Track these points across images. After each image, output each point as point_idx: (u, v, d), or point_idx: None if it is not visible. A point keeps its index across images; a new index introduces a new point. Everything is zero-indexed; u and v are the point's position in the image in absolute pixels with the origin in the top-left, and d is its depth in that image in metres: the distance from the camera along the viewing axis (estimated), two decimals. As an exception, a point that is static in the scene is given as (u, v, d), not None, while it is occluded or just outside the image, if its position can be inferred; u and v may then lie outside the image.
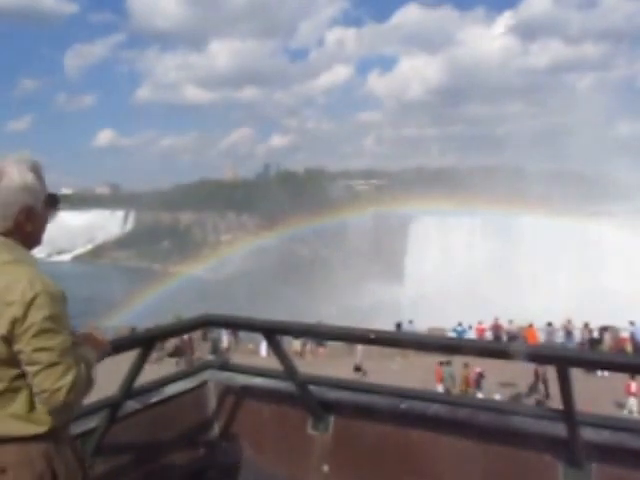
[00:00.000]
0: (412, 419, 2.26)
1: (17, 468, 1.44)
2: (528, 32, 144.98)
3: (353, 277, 55.49)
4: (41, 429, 1.46)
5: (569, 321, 21.61)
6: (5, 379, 1.43)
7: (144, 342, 2.20)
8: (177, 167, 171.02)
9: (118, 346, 1.96)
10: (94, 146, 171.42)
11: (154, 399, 2.51)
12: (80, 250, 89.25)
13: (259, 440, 2.62)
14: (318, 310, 32.29)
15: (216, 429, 2.72)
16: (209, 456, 2.66)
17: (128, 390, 2.18)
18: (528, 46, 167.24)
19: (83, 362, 1.47)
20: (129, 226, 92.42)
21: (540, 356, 2.14)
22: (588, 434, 1.92)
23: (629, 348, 19.34)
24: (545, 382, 14.96)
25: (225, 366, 2.88)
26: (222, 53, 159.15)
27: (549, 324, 21.37)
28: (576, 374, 1.77)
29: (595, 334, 20.82)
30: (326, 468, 2.39)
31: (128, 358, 2.17)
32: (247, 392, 2.69)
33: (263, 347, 19.66)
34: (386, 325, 17.38)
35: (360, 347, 18.57)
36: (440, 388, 15.66)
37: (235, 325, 5.00)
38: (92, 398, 1.83)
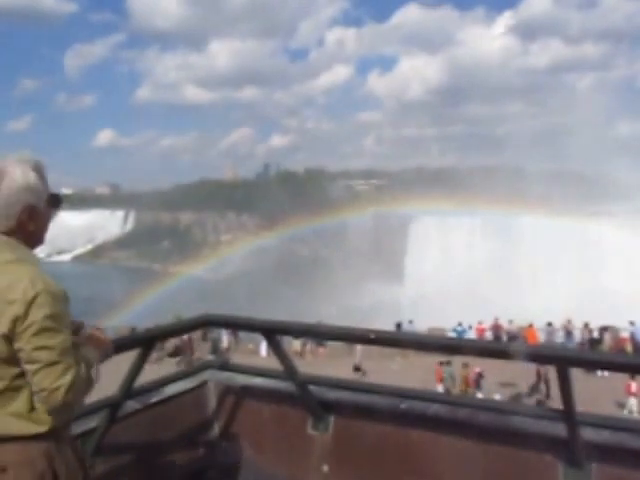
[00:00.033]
0: (412, 419, 2.26)
1: (18, 467, 1.44)
2: (528, 32, 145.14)
3: (353, 277, 55.50)
4: (42, 428, 1.46)
5: (569, 321, 21.61)
6: (6, 378, 1.43)
7: (144, 342, 2.20)
8: (177, 167, 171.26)
9: (118, 346, 1.96)
10: (94, 146, 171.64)
11: (154, 399, 2.51)
12: (80, 250, 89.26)
13: (259, 440, 2.62)
14: (318, 310, 32.30)
15: (216, 429, 2.72)
16: (209, 456, 2.66)
17: (128, 390, 2.18)
18: (528, 46, 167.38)
19: (84, 362, 1.47)
20: (129, 226, 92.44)
21: (540, 356, 2.14)
22: (588, 434, 1.92)
23: (629, 348, 19.34)
24: (547, 382, 14.96)
25: (225, 366, 2.88)
26: (222, 53, 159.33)
27: (549, 324, 21.37)
28: (576, 374, 1.77)
29: (595, 334, 20.81)
30: (326, 468, 2.39)
31: (128, 358, 2.17)
32: (247, 392, 2.69)
33: (263, 347, 19.66)
34: (386, 325, 17.39)
35: (359, 347, 18.57)
36: (440, 388, 15.66)
37: (235, 325, 5.00)
38: (92, 398, 1.83)
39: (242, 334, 21.99)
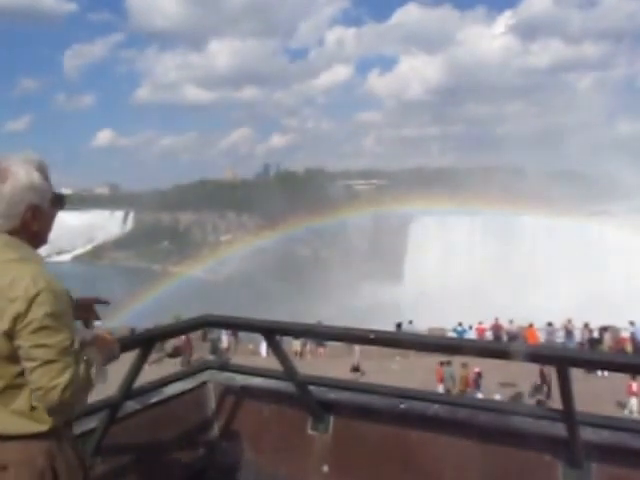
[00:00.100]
0: (412, 419, 2.26)
1: (18, 466, 1.44)
2: (528, 32, 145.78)
3: (353, 277, 55.52)
4: (43, 427, 1.46)
5: (569, 321, 21.61)
6: (7, 376, 1.43)
7: (143, 342, 2.20)
8: (177, 167, 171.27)
9: None
10: (93, 146, 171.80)
11: (154, 399, 2.51)
12: (80, 250, 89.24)
13: (259, 440, 2.62)
14: (318, 310, 32.31)
15: (216, 429, 2.72)
16: (209, 456, 2.66)
17: (128, 390, 2.18)
18: (528, 46, 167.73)
19: (84, 362, 1.47)
20: (129, 226, 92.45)
21: (540, 356, 2.14)
22: (588, 434, 1.92)
23: (629, 348, 19.35)
24: (548, 383, 14.94)
25: (225, 366, 2.88)
26: (222, 53, 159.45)
27: (549, 324, 21.37)
28: (576, 374, 1.77)
29: (595, 334, 20.81)
30: (326, 468, 2.39)
31: (128, 358, 2.17)
32: (247, 392, 2.69)
33: (263, 347, 19.66)
34: (386, 325, 17.37)
35: (358, 347, 18.55)
36: (441, 388, 15.65)
37: (235, 325, 5.00)
38: (100, 396, 1.83)
39: (242, 334, 21.98)
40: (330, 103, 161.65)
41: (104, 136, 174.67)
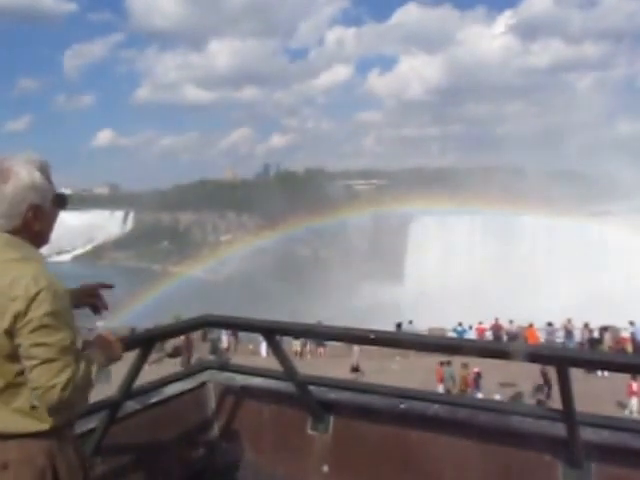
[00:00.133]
0: (412, 419, 2.26)
1: (18, 465, 1.44)
2: (528, 32, 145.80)
3: (353, 277, 55.53)
4: (44, 426, 1.46)
5: (569, 321, 21.61)
6: (8, 374, 1.43)
7: (143, 342, 2.20)
8: (177, 167, 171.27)
9: None
10: (93, 146, 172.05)
11: (154, 399, 2.51)
12: (80, 250, 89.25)
13: (259, 440, 2.62)
14: (318, 310, 32.29)
15: (216, 429, 2.72)
16: (209, 456, 2.66)
17: (128, 390, 2.18)
18: (528, 46, 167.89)
19: (85, 362, 1.47)
20: (129, 226, 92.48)
21: (540, 356, 2.14)
22: (588, 434, 1.92)
23: (629, 348, 19.35)
24: (549, 383, 14.92)
25: (225, 366, 2.88)
26: (222, 53, 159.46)
27: (549, 324, 21.38)
28: (576, 374, 1.77)
29: (595, 334, 20.82)
30: (326, 468, 2.39)
31: (128, 358, 2.17)
32: (247, 392, 2.69)
33: (263, 348, 19.66)
34: (386, 325, 17.37)
35: (357, 348, 18.53)
36: (441, 388, 15.65)
37: (235, 325, 4.99)
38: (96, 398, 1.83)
39: (242, 334, 21.98)
40: (330, 103, 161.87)
41: (104, 136, 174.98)
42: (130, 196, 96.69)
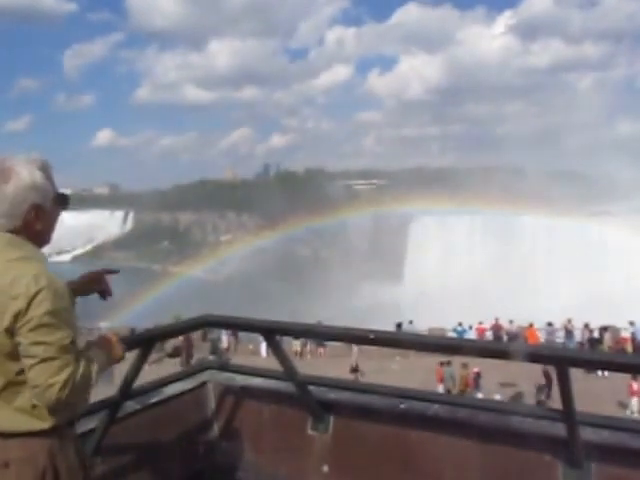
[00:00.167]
0: (412, 419, 2.26)
1: (19, 463, 1.44)
2: (528, 32, 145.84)
3: (353, 277, 55.55)
4: (45, 425, 1.46)
5: (569, 321, 21.61)
6: (9, 373, 1.44)
7: (143, 342, 2.20)
8: (177, 167, 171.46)
9: None
10: (93, 146, 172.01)
11: (154, 399, 2.51)
12: (80, 250, 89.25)
13: (259, 440, 2.62)
14: (318, 310, 32.29)
15: (216, 429, 2.72)
16: (209, 456, 2.66)
17: (128, 390, 2.18)
18: (528, 46, 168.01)
19: (85, 361, 1.47)
20: (128, 226, 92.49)
21: (540, 356, 2.13)
22: (588, 434, 1.92)
23: (629, 348, 19.35)
24: (551, 383, 14.91)
25: (225, 367, 2.88)
26: (222, 53, 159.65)
27: (549, 324, 21.38)
28: (576, 374, 1.77)
29: (595, 334, 20.82)
30: (326, 468, 2.39)
31: (128, 358, 2.17)
32: (247, 392, 2.69)
33: (263, 348, 19.66)
34: (386, 325, 17.38)
35: (356, 348, 18.51)
36: (441, 388, 15.65)
37: (235, 325, 4.99)
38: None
39: (242, 334, 21.99)
40: (330, 103, 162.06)
41: (104, 136, 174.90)
42: (130, 196, 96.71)
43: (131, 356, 2.18)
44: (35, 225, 1.53)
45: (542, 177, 59.78)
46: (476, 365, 15.96)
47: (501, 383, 16.06)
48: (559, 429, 1.91)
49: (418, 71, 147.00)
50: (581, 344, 20.46)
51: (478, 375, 16.15)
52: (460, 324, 22.76)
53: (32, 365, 1.40)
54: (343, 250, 64.27)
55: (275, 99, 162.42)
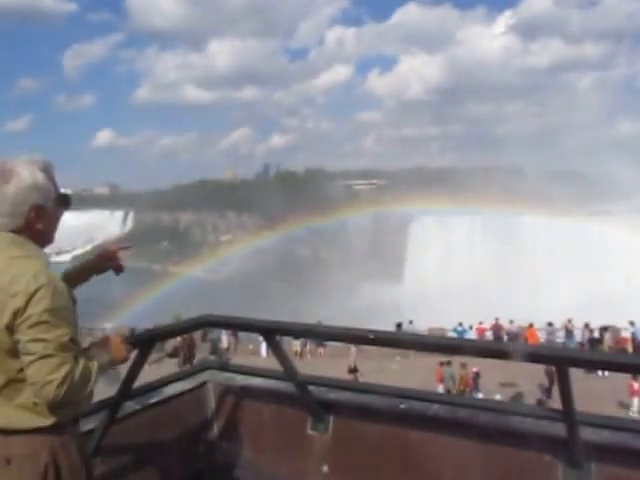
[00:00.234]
0: (412, 419, 2.26)
1: (21, 460, 1.45)
2: (528, 31, 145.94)
3: (353, 277, 55.52)
4: (47, 422, 1.47)
5: (569, 321, 21.61)
6: (10, 370, 1.45)
7: (143, 342, 2.20)
8: (177, 167, 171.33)
9: None
10: (93, 146, 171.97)
11: (154, 399, 2.51)
12: (80, 250, 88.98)
13: (259, 440, 2.62)
14: (318, 310, 32.29)
15: (216, 429, 2.72)
16: (209, 456, 2.66)
17: (127, 390, 2.18)
18: (528, 45, 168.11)
19: (84, 360, 1.48)
20: (128, 226, 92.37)
21: (540, 356, 2.13)
22: (588, 434, 1.92)
23: (629, 348, 19.35)
24: (554, 383, 14.91)
25: (225, 367, 2.89)
26: (222, 53, 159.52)
27: (549, 324, 21.37)
28: (576, 374, 1.77)
29: (596, 334, 20.82)
30: (325, 468, 2.39)
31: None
32: (247, 392, 2.69)
33: (263, 348, 19.66)
34: (386, 325, 17.37)
35: (354, 348, 18.52)
36: (441, 388, 15.64)
37: (235, 325, 4.99)
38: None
39: (242, 334, 21.99)
40: (330, 103, 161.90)
41: (104, 136, 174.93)
42: (130, 196, 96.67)
43: (131, 356, 2.18)
44: (36, 225, 1.54)
45: (542, 177, 59.76)
46: (476, 365, 15.96)
47: (501, 383, 16.06)
48: (559, 429, 1.90)
49: (418, 71, 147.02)
50: (581, 344, 20.45)
51: (477, 375, 16.15)
52: (460, 324, 22.75)
53: (31, 362, 1.40)
54: (343, 250, 64.23)
55: (275, 99, 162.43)
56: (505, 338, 21.57)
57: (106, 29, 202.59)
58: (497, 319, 23.27)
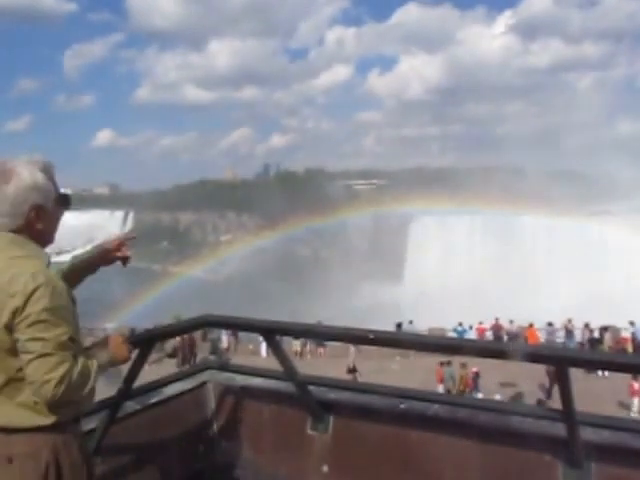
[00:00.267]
0: (412, 419, 2.26)
1: (23, 459, 1.46)
2: (528, 31, 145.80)
3: (353, 277, 55.50)
4: (48, 420, 1.47)
5: (569, 321, 21.62)
6: (10, 369, 1.45)
7: (143, 342, 2.20)
8: (177, 167, 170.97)
9: None
10: (93, 146, 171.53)
11: (154, 399, 2.51)
12: (80, 250, 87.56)
13: (259, 440, 2.62)
14: (318, 310, 32.29)
15: (216, 429, 2.72)
16: (209, 456, 2.66)
17: (127, 390, 2.18)
18: (528, 45, 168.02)
19: (84, 359, 1.48)
20: (128, 226, 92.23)
21: (540, 356, 2.13)
22: (588, 434, 1.92)
23: (630, 348, 19.35)
24: (553, 382, 14.91)
25: (225, 367, 2.89)
26: (222, 53, 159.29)
27: (549, 324, 21.38)
28: (577, 374, 1.77)
29: (596, 334, 20.83)
30: (325, 468, 2.39)
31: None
32: (247, 392, 2.69)
33: (263, 348, 19.66)
34: (386, 325, 17.37)
35: (353, 348, 18.52)
36: (441, 389, 15.64)
37: (235, 325, 5.00)
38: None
39: (242, 334, 22.00)
40: (330, 103, 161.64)
41: (104, 136, 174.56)
42: (130, 196, 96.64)
43: (132, 356, 2.18)
44: (36, 225, 1.55)
45: (542, 177, 59.73)
46: (476, 365, 15.96)
47: (501, 383, 16.06)
48: (559, 429, 1.90)
49: (418, 71, 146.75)
50: (581, 344, 20.46)
51: (477, 375, 16.15)
52: (460, 324, 22.75)
53: (29, 360, 1.41)
54: (343, 250, 64.21)
55: (275, 99, 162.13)
56: (505, 338, 21.58)
57: (106, 29, 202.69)
58: (497, 319, 23.28)
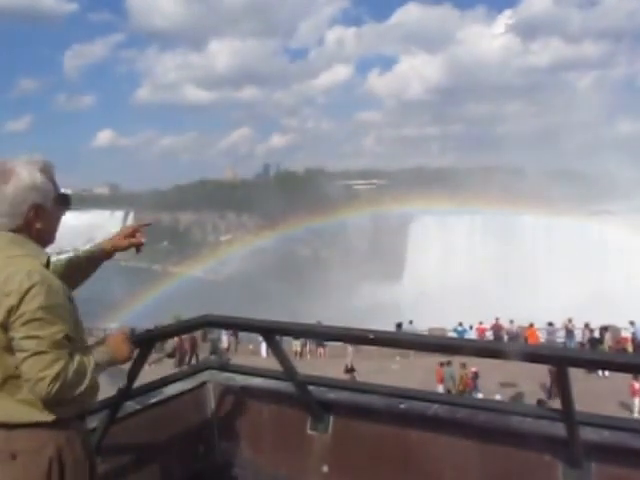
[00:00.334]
0: (412, 419, 2.26)
1: (26, 455, 1.46)
2: (528, 31, 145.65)
3: (353, 277, 55.51)
4: (49, 417, 1.48)
5: (570, 321, 21.62)
6: (9, 367, 1.45)
7: (143, 343, 2.20)
8: (177, 167, 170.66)
9: None
10: (93, 146, 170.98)
11: (154, 399, 2.51)
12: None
13: (258, 440, 2.62)
14: (318, 310, 32.29)
15: (215, 429, 2.72)
16: (208, 456, 2.66)
17: (127, 390, 2.18)
18: (528, 45, 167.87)
19: (80, 357, 1.48)
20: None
21: (540, 356, 2.13)
22: (588, 434, 1.92)
23: (630, 348, 19.36)
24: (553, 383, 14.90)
25: (225, 367, 2.89)
26: (222, 53, 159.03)
27: (550, 324, 21.38)
28: (577, 374, 1.76)
29: (596, 334, 20.83)
30: (325, 468, 2.39)
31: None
32: (247, 392, 2.69)
33: (263, 348, 19.66)
34: (386, 325, 17.35)
35: (351, 348, 18.47)
36: (441, 389, 15.64)
37: (235, 326, 5.00)
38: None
39: (242, 335, 21.99)
40: (330, 103, 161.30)
41: (104, 136, 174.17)
42: (130, 196, 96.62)
43: (133, 355, 2.18)
44: (35, 224, 1.56)
45: (542, 177, 59.73)
46: (476, 365, 15.96)
47: (501, 383, 16.06)
48: (559, 429, 1.90)
49: (418, 71, 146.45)
50: (581, 344, 20.46)
51: (476, 375, 16.15)
52: (460, 324, 22.76)
53: (24, 358, 1.41)
54: (343, 250, 64.22)
55: (275, 99, 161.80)
56: (505, 338, 21.57)
57: (106, 29, 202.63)
58: (497, 319, 23.28)
